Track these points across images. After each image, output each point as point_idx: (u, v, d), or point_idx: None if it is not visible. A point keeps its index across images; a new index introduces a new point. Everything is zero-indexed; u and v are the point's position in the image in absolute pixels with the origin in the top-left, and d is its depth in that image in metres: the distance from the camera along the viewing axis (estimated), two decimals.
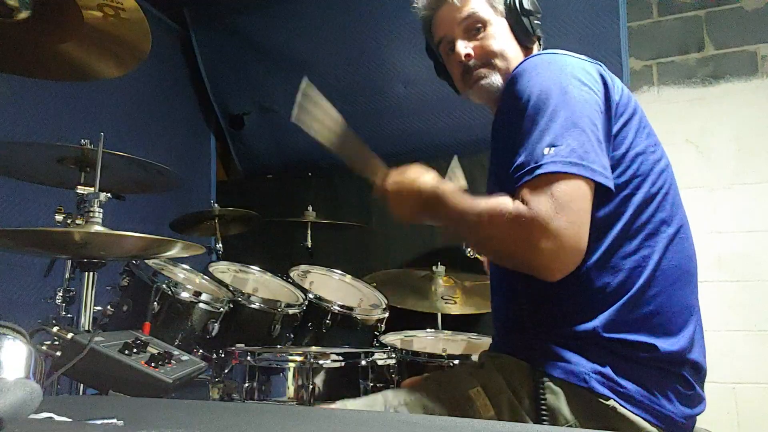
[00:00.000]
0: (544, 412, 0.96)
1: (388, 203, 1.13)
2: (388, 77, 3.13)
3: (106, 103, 2.81)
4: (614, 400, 0.94)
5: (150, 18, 1.31)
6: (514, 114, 1.03)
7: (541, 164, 0.94)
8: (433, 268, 2.51)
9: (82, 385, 1.47)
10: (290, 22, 3.20)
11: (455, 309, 2.41)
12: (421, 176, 1.08)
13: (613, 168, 1.01)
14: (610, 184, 0.97)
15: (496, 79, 1.23)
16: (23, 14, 1.20)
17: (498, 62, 1.22)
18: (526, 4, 1.23)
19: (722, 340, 2.53)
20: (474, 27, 1.23)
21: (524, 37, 1.24)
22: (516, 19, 1.22)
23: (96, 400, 1.09)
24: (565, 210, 0.91)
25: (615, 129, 1.04)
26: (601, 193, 0.99)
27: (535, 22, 1.24)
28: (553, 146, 0.95)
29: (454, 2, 1.24)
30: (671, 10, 2.86)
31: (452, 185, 1.06)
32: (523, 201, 0.94)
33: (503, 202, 0.96)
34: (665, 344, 0.97)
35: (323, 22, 3.14)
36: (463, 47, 1.23)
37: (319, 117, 1.22)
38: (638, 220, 1.02)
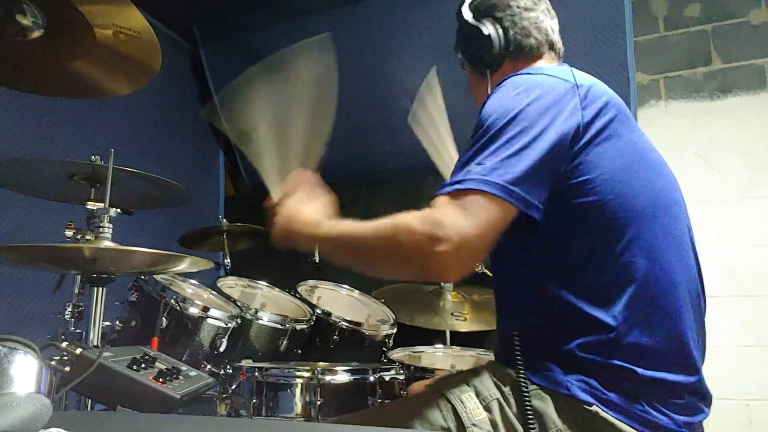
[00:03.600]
0: (530, 419, 0.97)
1: (275, 226, 1.16)
2: (396, 93, 3.14)
3: (116, 119, 2.84)
4: (597, 406, 0.95)
5: (160, 35, 1.33)
6: (472, 136, 1.05)
7: (461, 180, 0.95)
8: (441, 283, 2.50)
9: (90, 400, 1.47)
10: (299, 39, 3.22)
11: (464, 326, 2.40)
12: (311, 213, 1.13)
13: (584, 192, 0.99)
14: (529, 210, 0.94)
15: None
16: (36, 33, 1.22)
17: (477, 104, 1.36)
18: (464, 44, 1.30)
19: (735, 356, 2.50)
20: None
21: (480, 70, 1.29)
22: (468, 60, 1.32)
23: (104, 416, 1.09)
24: (470, 218, 0.92)
25: (585, 150, 1.00)
26: (568, 217, 1.00)
27: (479, 51, 1.26)
28: (479, 165, 0.96)
29: None
30: (678, 25, 2.87)
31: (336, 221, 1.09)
32: (434, 205, 0.96)
33: (409, 215, 0.96)
34: (647, 373, 0.96)
35: (331, 39, 3.17)
36: None
37: None
38: (616, 246, 0.99)
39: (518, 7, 1.24)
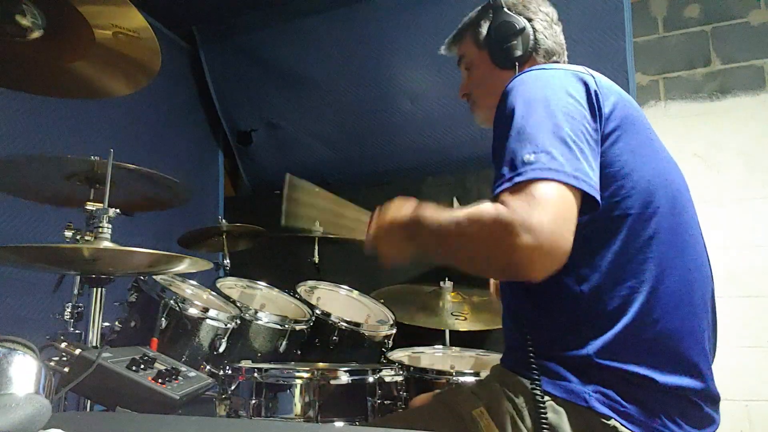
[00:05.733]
0: (545, 430, 0.95)
1: (378, 251, 1.13)
2: (395, 93, 3.15)
3: (115, 119, 2.84)
4: (615, 420, 0.93)
5: (159, 36, 1.32)
6: (501, 129, 1.03)
7: (521, 172, 0.91)
8: (441, 283, 2.50)
9: (89, 401, 1.47)
10: (298, 40, 3.24)
11: (464, 325, 2.40)
12: (399, 209, 1.10)
13: (604, 187, 0.98)
14: (594, 194, 0.92)
15: (478, 114, 1.39)
16: (36, 33, 1.22)
17: (480, 100, 1.36)
18: (498, 32, 1.27)
19: (735, 356, 2.50)
20: (466, 67, 1.39)
21: (506, 62, 1.27)
22: (491, 49, 1.29)
23: (103, 417, 1.09)
24: (546, 209, 0.87)
25: (604, 144, 1.01)
26: (591, 215, 0.98)
27: (512, 43, 1.26)
28: (533, 153, 0.92)
29: (448, 52, 1.43)
30: (677, 26, 2.87)
31: (431, 205, 1.04)
32: (503, 203, 0.91)
33: (483, 206, 0.93)
34: (664, 377, 0.95)
35: (330, 40, 3.17)
36: (460, 87, 1.41)
37: (308, 203, 1.33)
38: (634, 243, 0.99)
39: (548, 15, 1.31)
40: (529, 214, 0.86)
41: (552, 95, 1.01)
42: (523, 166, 0.92)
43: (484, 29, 1.30)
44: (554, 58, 1.30)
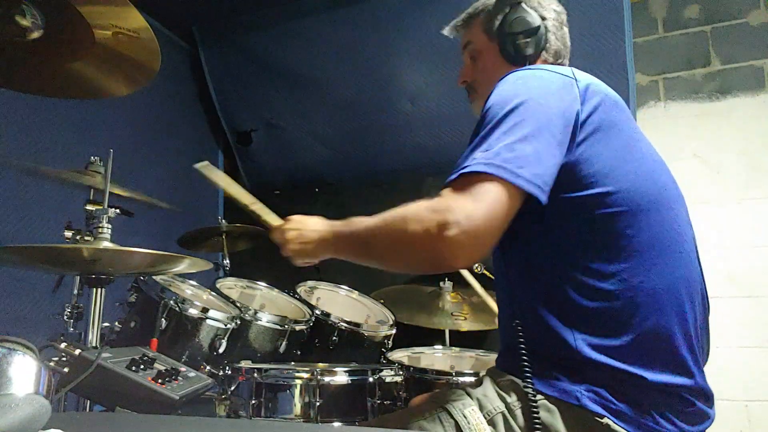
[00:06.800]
0: (537, 429, 0.95)
1: (287, 247, 1.26)
2: (395, 94, 3.15)
3: (116, 119, 2.84)
4: (608, 418, 0.93)
5: (159, 36, 1.33)
6: (476, 126, 1.05)
7: (466, 165, 0.95)
8: (440, 284, 2.50)
9: (89, 401, 1.47)
10: (298, 40, 3.24)
11: (465, 325, 2.40)
12: (318, 223, 1.22)
13: (587, 186, 0.99)
14: (536, 192, 0.93)
15: (478, 104, 1.34)
16: (36, 34, 1.22)
17: (482, 90, 1.32)
18: (512, 27, 1.26)
19: (734, 356, 2.50)
20: (470, 55, 1.37)
21: (514, 58, 1.26)
22: (503, 41, 1.28)
23: (103, 417, 1.09)
24: (480, 204, 0.91)
25: (583, 146, 1.01)
26: (571, 212, 0.99)
27: (525, 40, 1.25)
28: (485, 151, 0.96)
29: (453, 34, 1.43)
30: (677, 26, 2.87)
31: (349, 220, 1.13)
32: (440, 196, 0.96)
33: (417, 202, 0.98)
34: (654, 375, 0.95)
35: (331, 40, 3.17)
36: (461, 73, 1.40)
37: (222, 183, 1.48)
38: (620, 242, 0.99)
39: (559, 16, 1.31)
40: (463, 206, 0.91)
41: (526, 96, 1.02)
42: (471, 161, 0.96)
43: (498, 20, 1.28)
44: (559, 60, 1.30)
